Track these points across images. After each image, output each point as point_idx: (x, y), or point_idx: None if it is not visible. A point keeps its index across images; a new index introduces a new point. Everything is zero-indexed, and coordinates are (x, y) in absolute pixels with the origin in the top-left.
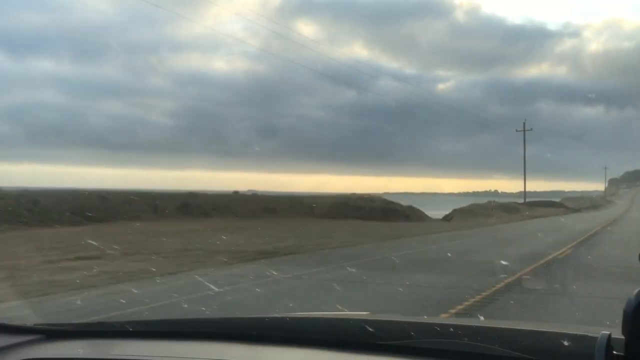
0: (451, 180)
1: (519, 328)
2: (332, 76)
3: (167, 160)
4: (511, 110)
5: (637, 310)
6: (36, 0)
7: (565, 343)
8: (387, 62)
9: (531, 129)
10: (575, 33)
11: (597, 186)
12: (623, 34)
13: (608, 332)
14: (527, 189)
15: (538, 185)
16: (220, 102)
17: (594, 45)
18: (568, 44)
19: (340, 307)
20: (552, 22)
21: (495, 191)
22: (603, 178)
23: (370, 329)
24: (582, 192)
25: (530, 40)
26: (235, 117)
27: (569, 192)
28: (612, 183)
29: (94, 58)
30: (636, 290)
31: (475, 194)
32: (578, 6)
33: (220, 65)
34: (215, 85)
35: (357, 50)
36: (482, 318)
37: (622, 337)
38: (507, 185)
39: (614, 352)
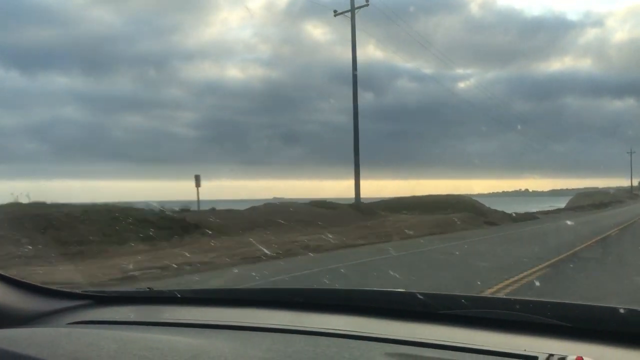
0: (480, 181)
1: (568, 302)
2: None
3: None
4: (537, 106)
5: None
6: (46, 15)
7: (620, 311)
8: (403, 62)
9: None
10: (597, 22)
11: (628, 181)
12: None
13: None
14: (557, 187)
15: (570, 183)
16: (239, 110)
17: (619, 34)
18: (591, 34)
19: None
20: (572, 11)
21: (526, 190)
22: (639, 172)
23: (421, 298)
24: (606, 188)
25: (551, 32)
26: (255, 125)
27: (592, 188)
28: None
29: (106, 71)
30: None
31: (505, 194)
32: None
33: (234, 73)
34: (232, 94)
35: (370, 51)
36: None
37: None
38: (538, 184)
39: None
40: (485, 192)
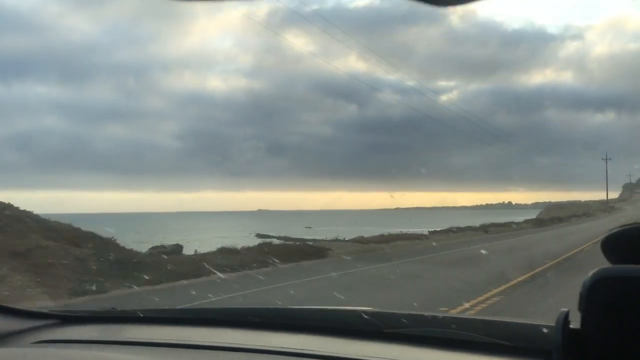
0: (464, 194)
1: (500, 320)
2: (331, 90)
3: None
4: (519, 118)
5: (590, 290)
6: (20, 22)
7: (543, 330)
8: (385, 74)
9: None
10: (577, 36)
11: (612, 194)
12: (628, 34)
13: (567, 310)
14: (540, 200)
15: (553, 195)
16: (222, 121)
17: (599, 47)
18: (571, 47)
19: None
20: (552, 25)
21: (509, 203)
22: (620, 186)
23: (366, 316)
24: (586, 200)
25: (532, 44)
26: (239, 136)
27: (576, 201)
28: (627, 188)
29: (84, 81)
30: (591, 272)
31: (489, 206)
32: (577, 7)
33: (216, 83)
34: (215, 105)
35: (352, 63)
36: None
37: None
38: (522, 197)
39: (571, 326)
40: (470, 204)
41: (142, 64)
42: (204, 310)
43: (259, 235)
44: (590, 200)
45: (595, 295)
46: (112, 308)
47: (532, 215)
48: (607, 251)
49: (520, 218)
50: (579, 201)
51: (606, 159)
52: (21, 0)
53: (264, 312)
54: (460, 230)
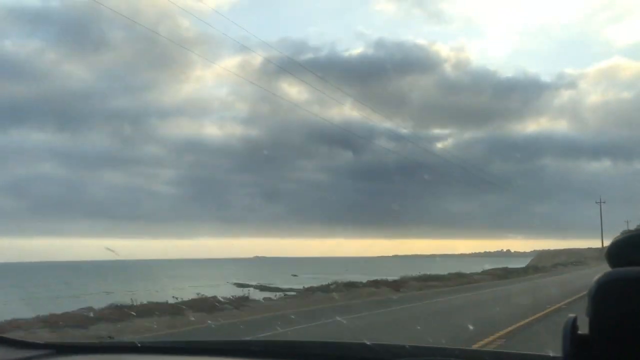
0: (463, 241)
1: (508, 352)
2: (326, 137)
3: (172, 230)
4: (515, 166)
5: (597, 296)
6: (17, 69)
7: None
8: (380, 121)
9: None
10: (571, 84)
11: (609, 241)
12: (621, 82)
13: (574, 315)
14: (537, 248)
15: (552, 244)
16: (219, 168)
17: (593, 96)
18: (565, 96)
19: None
20: (546, 73)
21: (508, 251)
22: (618, 233)
23: (372, 347)
24: (582, 248)
25: (525, 93)
26: (236, 183)
27: (575, 249)
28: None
29: (81, 127)
30: (595, 278)
31: (487, 254)
32: (569, 55)
33: (213, 130)
34: (212, 151)
35: (347, 110)
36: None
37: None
38: (520, 244)
39: (579, 332)
40: (468, 252)
41: (139, 111)
42: (203, 341)
43: (237, 285)
44: (585, 248)
45: (602, 299)
46: (109, 337)
47: (528, 262)
48: (611, 258)
49: (511, 265)
50: (573, 249)
51: (600, 202)
52: (19, 47)
53: (264, 344)
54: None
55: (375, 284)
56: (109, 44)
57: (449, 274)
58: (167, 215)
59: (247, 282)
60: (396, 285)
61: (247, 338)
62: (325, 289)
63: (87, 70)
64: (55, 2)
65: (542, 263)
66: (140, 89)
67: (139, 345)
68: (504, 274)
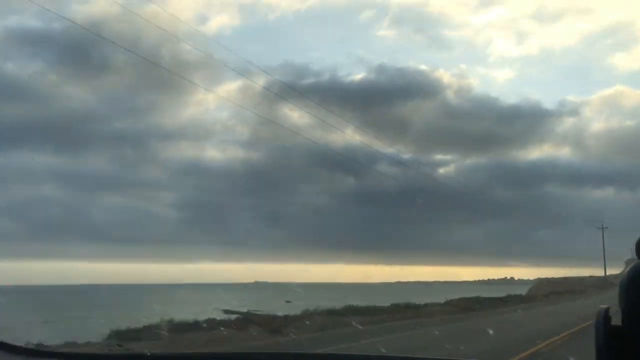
0: (466, 268)
1: None
2: (328, 162)
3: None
4: (518, 193)
5: (629, 286)
6: (18, 91)
7: None
8: (382, 146)
9: None
10: (573, 111)
11: (615, 270)
12: (624, 110)
13: (607, 306)
14: (542, 275)
15: (557, 272)
16: (220, 191)
17: (596, 124)
18: (568, 123)
19: None
20: (548, 100)
21: (512, 278)
22: (622, 261)
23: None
24: (585, 276)
25: (527, 120)
26: (237, 206)
27: (577, 277)
28: (630, 264)
29: (82, 149)
30: (627, 269)
31: (491, 281)
32: (571, 82)
33: (214, 153)
34: (213, 175)
35: (349, 135)
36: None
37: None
38: (524, 272)
39: (612, 323)
40: (472, 279)
41: (140, 134)
42: (211, 352)
43: (225, 311)
44: (588, 276)
45: (634, 290)
46: (119, 345)
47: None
48: (639, 250)
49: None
50: (575, 277)
51: (602, 227)
52: (21, 69)
53: (271, 356)
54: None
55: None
56: (111, 67)
57: (393, 304)
58: (168, 238)
59: (238, 309)
60: (281, 324)
61: None
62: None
63: (88, 92)
64: (57, 24)
65: (541, 291)
66: (141, 112)
67: (148, 354)
68: (470, 305)
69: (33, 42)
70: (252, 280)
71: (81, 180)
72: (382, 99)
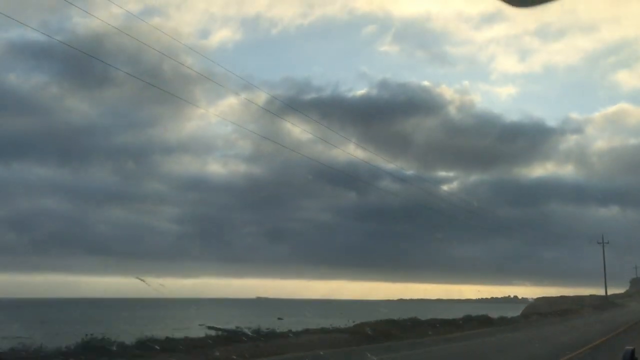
0: (470, 286)
1: None
2: (330, 177)
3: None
4: (522, 211)
5: None
6: (19, 103)
7: None
8: (385, 162)
9: None
10: (577, 129)
11: (619, 289)
12: (627, 128)
13: (632, 347)
14: (546, 294)
15: (561, 291)
16: (222, 206)
17: (599, 142)
18: (572, 140)
19: None
20: (551, 117)
21: (515, 297)
22: (627, 281)
23: None
24: (581, 296)
25: (531, 137)
26: (239, 221)
27: (568, 296)
28: (635, 283)
29: (84, 163)
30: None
31: (494, 300)
32: (574, 99)
33: (216, 168)
34: (215, 189)
35: (351, 151)
36: None
37: None
38: (527, 291)
39: None
40: (475, 297)
41: (142, 147)
42: None
43: (209, 327)
44: (588, 295)
45: None
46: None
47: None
48: None
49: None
50: (574, 296)
51: (602, 242)
52: (23, 81)
53: None
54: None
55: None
56: (112, 80)
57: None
58: (169, 253)
59: (223, 326)
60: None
61: None
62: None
63: (90, 105)
64: (59, 37)
65: (537, 310)
66: (143, 125)
67: None
68: (388, 331)
69: (35, 54)
70: (254, 296)
71: (82, 193)
72: (384, 114)
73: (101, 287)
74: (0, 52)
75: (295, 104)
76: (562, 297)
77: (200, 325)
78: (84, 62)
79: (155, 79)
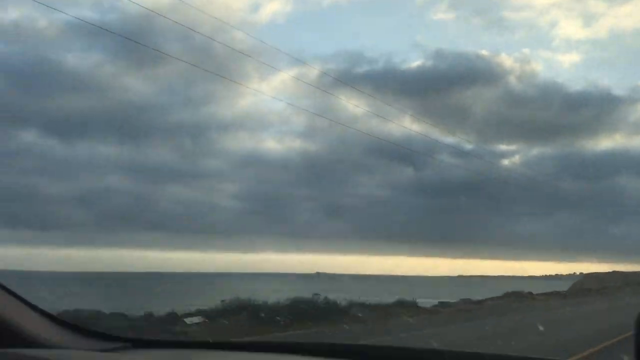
0: (533, 263)
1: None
2: (386, 152)
3: (235, 243)
4: (589, 185)
5: None
6: (78, 83)
7: None
8: (442, 135)
9: None
10: None
11: None
12: None
13: (627, 358)
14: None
15: (626, 267)
16: (279, 182)
17: None
18: None
19: None
20: (618, 86)
21: (581, 274)
22: None
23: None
24: (630, 272)
25: (597, 107)
26: (296, 197)
27: (616, 271)
28: None
29: (143, 141)
30: None
31: (559, 276)
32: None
33: (272, 144)
34: (272, 166)
35: (407, 124)
36: None
37: None
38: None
39: None
40: (539, 274)
41: (198, 125)
42: (274, 341)
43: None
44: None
45: None
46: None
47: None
48: None
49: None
50: (622, 272)
51: None
52: (81, 60)
53: (332, 346)
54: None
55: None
56: (165, 57)
57: None
58: (230, 229)
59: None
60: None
61: None
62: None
63: (145, 83)
64: (112, 15)
65: (585, 286)
66: (199, 103)
67: (211, 342)
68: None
69: (90, 33)
70: (314, 271)
71: (143, 170)
72: (441, 86)
73: (163, 262)
74: (58, 32)
75: (348, 77)
76: (613, 273)
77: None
78: (137, 40)
79: (207, 55)
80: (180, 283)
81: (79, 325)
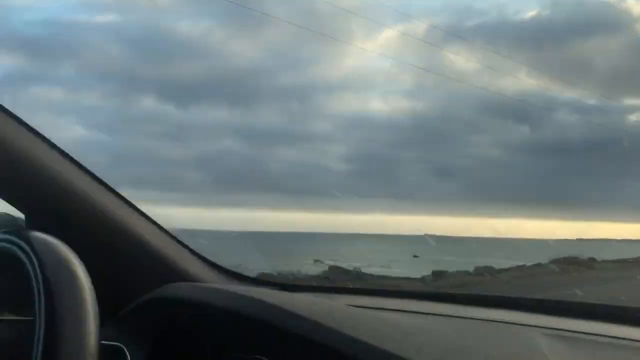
0: None
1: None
2: (499, 110)
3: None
4: None
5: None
6: (189, 49)
7: None
8: (560, 91)
9: None
10: None
11: None
12: None
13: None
14: None
15: None
16: (386, 144)
17: None
18: None
19: None
20: None
21: None
22: None
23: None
24: None
25: None
26: (404, 159)
27: None
28: None
29: (251, 105)
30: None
31: None
32: None
33: (378, 105)
34: (378, 127)
35: (522, 80)
36: None
37: None
38: None
39: None
40: None
41: (305, 87)
42: (438, 292)
43: (315, 262)
44: None
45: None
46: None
47: None
48: None
49: None
50: None
51: None
52: (192, 28)
53: (487, 297)
54: None
55: None
56: (271, 21)
57: None
58: (339, 190)
59: (334, 263)
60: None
61: None
62: None
63: (252, 47)
64: None
65: None
66: (304, 65)
67: (351, 287)
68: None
69: (199, 1)
70: (422, 233)
71: (254, 133)
72: (559, 37)
73: (276, 221)
74: (169, 1)
75: (457, 31)
76: None
77: (316, 260)
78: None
79: (312, 16)
80: (301, 242)
81: (230, 270)
